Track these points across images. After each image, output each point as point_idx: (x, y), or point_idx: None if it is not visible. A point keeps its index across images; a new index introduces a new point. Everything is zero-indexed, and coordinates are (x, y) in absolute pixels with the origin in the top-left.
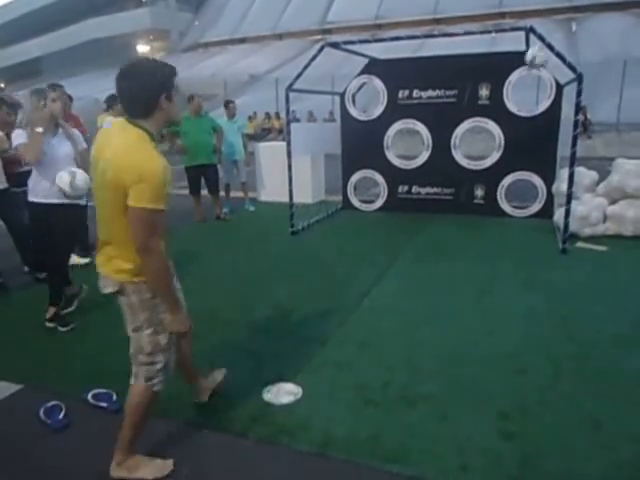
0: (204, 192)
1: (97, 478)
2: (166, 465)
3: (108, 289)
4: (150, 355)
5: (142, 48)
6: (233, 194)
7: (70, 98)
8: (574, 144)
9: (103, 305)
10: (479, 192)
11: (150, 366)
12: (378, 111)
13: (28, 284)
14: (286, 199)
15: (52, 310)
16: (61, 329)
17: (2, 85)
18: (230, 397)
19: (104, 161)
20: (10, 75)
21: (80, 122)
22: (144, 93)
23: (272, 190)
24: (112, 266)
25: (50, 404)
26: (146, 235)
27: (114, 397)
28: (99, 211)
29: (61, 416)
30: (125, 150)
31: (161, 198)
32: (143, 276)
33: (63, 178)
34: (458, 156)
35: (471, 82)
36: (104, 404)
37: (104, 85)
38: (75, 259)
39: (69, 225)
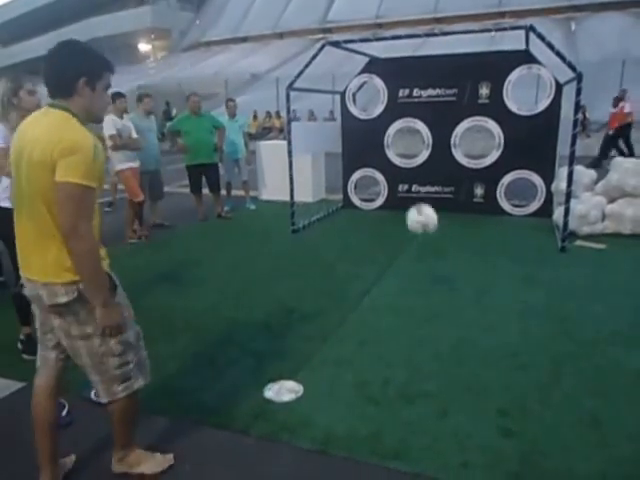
0: (205, 191)
1: (100, 475)
2: (166, 459)
3: (61, 298)
4: (121, 356)
5: (143, 47)
6: (234, 193)
7: None
8: (573, 143)
9: None
10: (479, 191)
11: (124, 367)
12: (378, 110)
13: None
14: (287, 198)
15: (25, 330)
16: (26, 357)
17: None
18: (231, 395)
19: (30, 143)
20: (13, 74)
21: None
22: (61, 70)
23: (273, 189)
24: (52, 267)
25: None
26: (75, 215)
27: None
28: (24, 209)
29: (64, 413)
30: (52, 127)
31: (93, 175)
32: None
33: None
34: (458, 155)
35: (471, 81)
36: (105, 401)
37: None
38: None
39: None
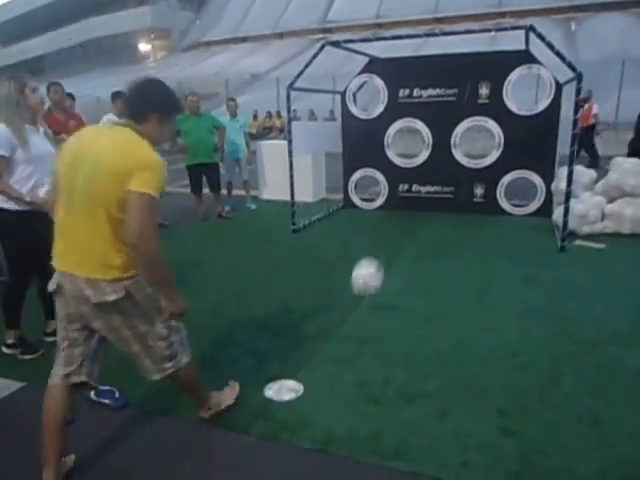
0: (205, 190)
1: (101, 474)
2: (235, 389)
3: (109, 297)
4: (167, 338)
5: (143, 47)
6: (235, 192)
7: (72, 97)
8: (573, 142)
9: None
10: (479, 191)
11: (170, 347)
12: (379, 110)
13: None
14: (287, 197)
15: (12, 333)
16: (22, 357)
17: None
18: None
19: (96, 151)
20: (13, 73)
21: (83, 121)
22: (141, 101)
23: (273, 188)
24: (101, 265)
25: None
26: (148, 222)
27: (117, 394)
28: (76, 208)
29: None
30: (127, 142)
31: (161, 189)
32: (135, 268)
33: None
34: (458, 155)
35: (471, 81)
36: (107, 401)
37: (106, 83)
38: None
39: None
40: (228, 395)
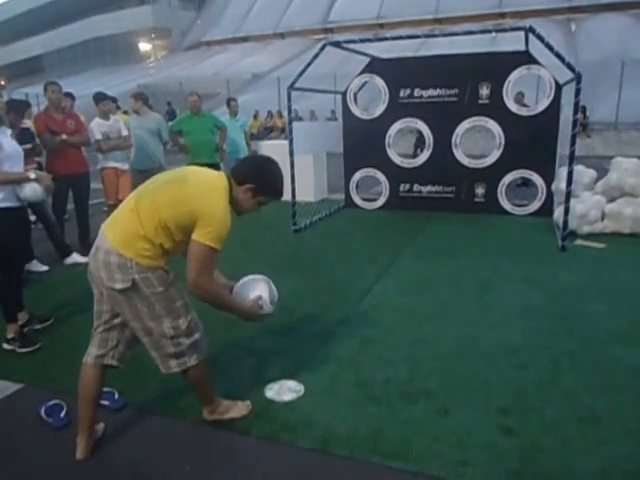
0: None
1: (99, 476)
2: (246, 405)
3: (117, 284)
4: (173, 338)
5: (144, 46)
6: None
7: (72, 97)
8: (573, 143)
9: None
10: (480, 190)
11: (177, 347)
12: (380, 110)
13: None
14: (288, 197)
15: (13, 328)
16: (20, 350)
17: (3, 82)
18: (232, 394)
19: (183, 177)
20: (12, 73)
21: (81, 121)
22: (252, 172)
23: None
24: (124, 238)
25: (51, 403)
26: (201, 272)
27: (116, 395)
28: (139, 204)
29: (62, 414)
30: (213, 186)
31: (223, 241)
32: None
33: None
34: (459, 155)
35: (471, 81)
36: (106, 402)
37: (106, 83)
38: (77, 258)
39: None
40: (238, 409)
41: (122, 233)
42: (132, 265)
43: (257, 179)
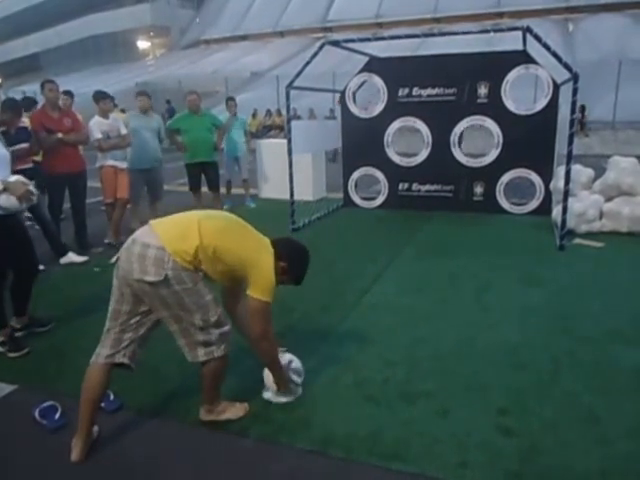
0: (204, 189)
1: (93, 478)
2: (243, 407)
3: (149, 277)
4: (202, 330)
5: (142, 44)
6: (234, 191)
7: (71, 95)
8: (571, 142)
9: (105, 301)
10: (478, 189)
11: (207, 335)
12: (378, 109)
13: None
14: (287, 196)
15: (3, 332)
16: (11, 355)
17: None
18: (230, 396)
19: (237, 224)
20: (8, 71)
21: (78, 120)
22: (288, 250)
23: (273, 187)
24: (180, 246)
25: (46, 404)
26: (267, 324)
27: (111, 396)
28: (181, 224)
29: (57, 416)
30: (261, 245)
31: (272, 293)
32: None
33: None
34: (457, 154)
35: (470, 80)
36: (102, 404)
37: (104, 81)
38: (72, 257)
39: None
40: (235, 410)
41: (177, 231)
42: (169, 260)
43: (293, 262)
